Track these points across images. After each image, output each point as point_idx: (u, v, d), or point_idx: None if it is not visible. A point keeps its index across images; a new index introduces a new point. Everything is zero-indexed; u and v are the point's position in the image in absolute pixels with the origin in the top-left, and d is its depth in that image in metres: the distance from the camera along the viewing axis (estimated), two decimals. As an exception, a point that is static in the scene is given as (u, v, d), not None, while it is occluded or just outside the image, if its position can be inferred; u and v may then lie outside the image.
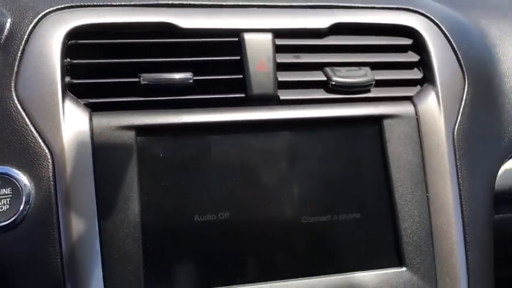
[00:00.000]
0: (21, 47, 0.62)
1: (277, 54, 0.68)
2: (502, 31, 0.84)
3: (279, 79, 0.68)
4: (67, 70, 0.63)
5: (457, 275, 0.68)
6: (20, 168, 0.59)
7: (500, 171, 0.76)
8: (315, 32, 0.71)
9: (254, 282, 0.63)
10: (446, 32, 0.75)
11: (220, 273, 0.63)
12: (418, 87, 0.74)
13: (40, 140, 0.60)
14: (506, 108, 0.79)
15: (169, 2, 0.68)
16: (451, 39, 0.75)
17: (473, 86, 0.75)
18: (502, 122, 0.78)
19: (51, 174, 0.59)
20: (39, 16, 0.63)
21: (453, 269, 0.68)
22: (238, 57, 0.67)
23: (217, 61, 0.67)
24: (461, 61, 0.75)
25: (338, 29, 0.72)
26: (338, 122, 0.69)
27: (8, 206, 0.58)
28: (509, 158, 0.78)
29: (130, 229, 0.60)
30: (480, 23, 0.84)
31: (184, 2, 0.68)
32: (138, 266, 0.60)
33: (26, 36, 0.62)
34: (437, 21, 0.76)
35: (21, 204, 0.58)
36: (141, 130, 0.63)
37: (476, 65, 0.77)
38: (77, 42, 0.64)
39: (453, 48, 0.75)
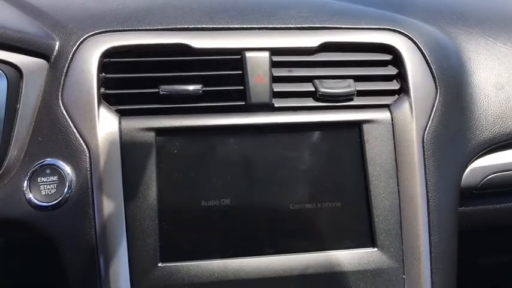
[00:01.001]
0: (66, 64, 0.77)
1: (273, 69, 0.80)
2: (478, 45, 0.94)
3: (274, 90, 0.80)
4: (102, 83, 0.77)
5: (421, 255, 0.79)
6: (64, 160, 0.74)
7: (467, 170, 0.87)
8: (306, 50, 0.83)
9: (247, 256, 0.76)
10: (422, 48, 0.85)
11: (219, 248, 0.76)
12: (396, 96, 0.84)
13: (80, 138, 0.75)
14: (476, 116, 0.88)
15: (185, 26, 0.81)
16: (426, 55, 0.85)
17: (445, 95, 0.85)
18: (470, 127, 0.88)
19: (88, 165, 0.74)
20: (81, 40, 0.78)
21: (418, 250, 0.79)
22: (240, 72, 0.80)
23: (223, 75, 0.80)
24: (435, 74, 0.85)
25: (326, 47, 0.83)
26: (324, 125, 0.81)
27: (55, 190, 0.74)
28: (476, 159, 0.88)
29: (149, 210, 0.74)
30: (458, 38, 0.93)
31: (197, 26, 0.81)
32: (155, 240, 0.74)
33: (70, 56, 0.77)
34: (414, 39, 0.86)
35: (65, 188, 0.73)
36: (159, 131, 0.76)
37: (449, 77, 0.87)
38: (110, 60, 0.78)
39: (427, 63, 0.85)
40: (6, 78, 0.73)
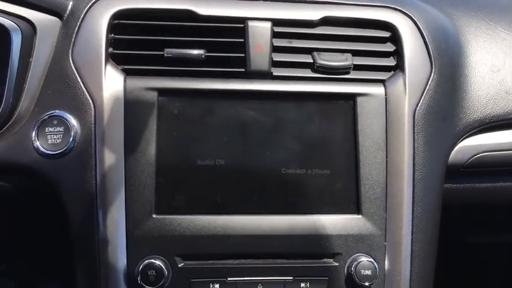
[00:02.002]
0: (78, 23, 0.82)
1: (274, 39, 0.84)
2: (478, 29, 0.96)
3: (274, 59, 0.84)
4: (110, 43, 0.82)
5: (403, 225, 0.83)
6: (71, 113, 0.80)
7: (456, 147, 0.90)
8: (308, 22, 0.86)
9: (236, 214, 0.81)
10: (421, 28, 0.88)
11: (211, 205, 0.81)
12: (392, 72, 0.87)
13: (86, 94, 0.80)
14: (469, 96, 0.91)
15: None
16: (424, 34, 0.88)
17: (439, 75, 0.88)
18: (463, 107, 0.91)
19: (92, 119, 0.80)
20: (93, 1, 0.83)
21: (400, 220, 0.83)
22: (242, 40, 0.83)
23: (225, 42, 0.84)
24: (431, 53, 0.88)
25: (327, 21, 0.87)
26: (319, 96, 0.85)
27: (60, 140, 0.79)
28: (466, 138, 0.91)
29: (148, 165, 0.79)
30: (459, 21, 0.96)
31: None
32: (151, 193, 0.79)
33: (82, 16, 0.82)
34: (414, 18, 0.88)
35: (70, 139, 0.79)
36: (161, 92, 0.81)
37: (445, 58, 0.89)
38: (119, 22, 0.83)
39: (425, 42, 0.88)
40: (21, 32, 0.78)
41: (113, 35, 0.83)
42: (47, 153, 0.79)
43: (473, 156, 0.91)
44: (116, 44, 0.83)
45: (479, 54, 0.95)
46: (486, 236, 1.19)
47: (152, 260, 0.77)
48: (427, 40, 0.88)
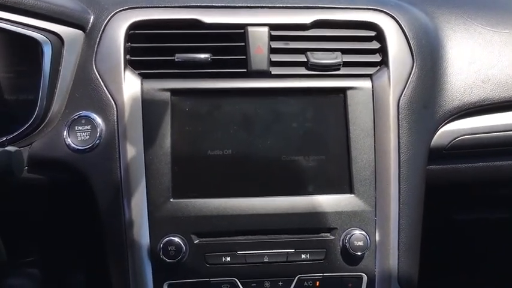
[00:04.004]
0: (99, 35, 0.93)
1: (271, 42, 0.94)
2: (456, 25, 1.05)
3: (272, 59, 0.94)
4: (128, 51, 0.93)
5: (391, 201, 0.93)
6: (96, 113, 0.90)
7: (438, 132, 0.99)
8: (301, 26, 0.96)
9: (243, 196, 0.91)
10: (403, 26, 0.97)
11: (220, 189, 0.91)
12: (377, 67, 0.97)
13: (109, 96, 0.91)
14: (448, 86, 1.00)
15: (197, 4, 0.95)
16: (406, 32, 0.97)
17: (420, 68, 0.97)
18: (442, 95, 1.00)
19: (115, 117, 0.90)
20: (111, 14, 0.93)
21: (388, 197, 0.93)
22: (243, 44, 0.93)
23: (228, 46, 0.94)
24: (413, 49, 0.97)
25: (319, 23, 0.96)
26: (313, 91, 0.94)
27: (88, 137, 0.90)
28: (446, 123, 1.00)
29: (164, 156, 0.90)
30: (439, 18, 1.05)
31: (208, 4, 0.95)
32: (168, 180, 0.90)
33: (102, 28, 0.93)
34: (397, 18, 0.98)
35: (96, 135, 0.89)
36: (174, 92, 0.91)
37: (425, 52, 0.99)
38: (135, 32, 0.93)
39: (407, 39, 0.97)
40: (51, 44, 0.89)
41: (130, 43, 0.93)
42: (78, 149, 0.90)
43: (453, 140, 1.01)
44: (132, 51, 0.93)
45: (457, 48, 1.04)
46: (471, 213, 1.29)
47: (171, 238, 0.88)
48: (408, 37, 0.98)
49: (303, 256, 0.92)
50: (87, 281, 1.47)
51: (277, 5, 0.98)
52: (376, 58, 0.98)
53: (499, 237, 1.43)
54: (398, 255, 0.94)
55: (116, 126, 0.90)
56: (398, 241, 0.94)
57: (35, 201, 1.14)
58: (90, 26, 0.94)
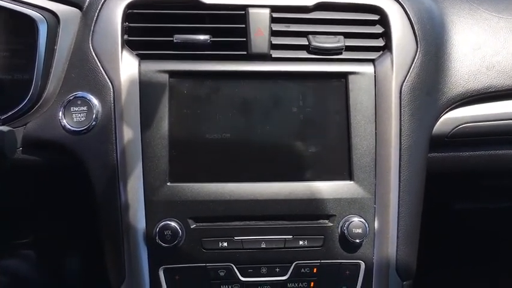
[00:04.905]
0: (96, 14, 0.91)
1: (272, 24, 0.92)
2: (462, 10, 1.04)
3: (273, 42, 0.92)
4: (126, 30, 0.91)
5: (391, 189, 0.92)
6: (93, 93, 0.89)
7: (440, 119, 0.98)
8: (303, 8, 0.94)
9: (240, 181, 0.90)
10: (407, 10, 0.95)
11: (218, 174, 0.90)
12: (380, 52, 0.95)
13: (106, 76, 0.89)
14: (452, 72, 0.98)
15: None
16: (410, 16, 0.95)
17: (424, 53, 0.95)
18: (446, 82, 0.98)
19: (111, 99, 0.89)
20: None
21: (388, 184, 0.92)
22: (244, 25, 0.91)
23: (228, 28, 0.92)
24: (417, 34, 0.95)
25: (321, 6, 0.94)
26: (315, 75, 0.93)
27: (84, 118, 0.88)
28: (449, 110, 0.99)
29: (161, 139, 0.89)
30: (445, 3, 1.03)
31: None
32: (165, 163, 0.89)
33: (99, 7, 0.91)
34: (401, 2, 0.96)
35: (92, 116, 0.88)
36: (172, 73, 0.90)
37: (430, 38, 0.97)
38: (133, 12, 0.91)
39: (411, 23, 0.95)
40: (47, 23, 0.87)
41: (127, 23, 0.92)
42: (73, 130, 0.88)
43: (455, 127, 0.99)
44: (130, 31, 0.92)
45: (462, 34, 1.02)
46: (471, 203, 1.28)
47: (168, 222, 0.87)
48: (413, 22, 0.96)
49: (301, 243, 0.91)
50: (82, 264, 1.47)
51: None
52: (379, 43, 0.96)
53: (499, 226, 1.42)
54: (397, 243, 0.93)
55: (112, 107, 0.89)
56: (397, 229, 0.93)
57: (30, 183, 1.12)
58: (87, 4, 0.92)
